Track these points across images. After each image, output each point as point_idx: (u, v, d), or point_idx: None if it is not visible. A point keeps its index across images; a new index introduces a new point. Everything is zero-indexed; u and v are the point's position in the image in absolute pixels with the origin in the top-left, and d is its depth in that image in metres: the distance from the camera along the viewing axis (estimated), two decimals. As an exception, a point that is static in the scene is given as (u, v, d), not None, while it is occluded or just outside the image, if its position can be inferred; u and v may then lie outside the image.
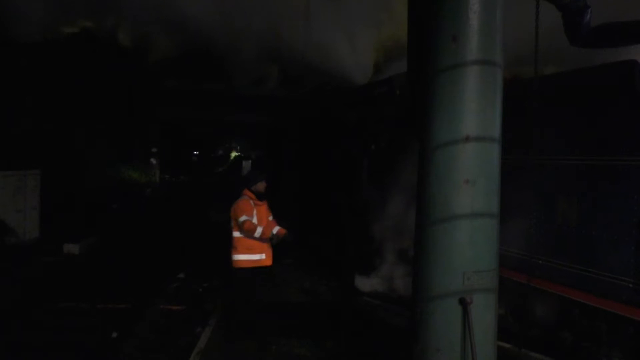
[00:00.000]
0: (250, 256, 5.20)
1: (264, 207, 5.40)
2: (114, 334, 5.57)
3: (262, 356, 4.94)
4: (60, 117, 14.15)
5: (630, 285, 4.02)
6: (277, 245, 5.39)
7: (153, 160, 23.71)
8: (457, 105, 2.85)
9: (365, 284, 7.13)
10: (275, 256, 5.41)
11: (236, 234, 5.21)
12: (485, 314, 2.91)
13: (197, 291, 7.33)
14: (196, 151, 43.59)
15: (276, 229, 5.35)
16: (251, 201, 5.29)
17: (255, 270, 5.21)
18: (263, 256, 5.27)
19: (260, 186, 5.40)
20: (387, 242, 7.00)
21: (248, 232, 5.13)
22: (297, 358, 4.94)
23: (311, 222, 10.06)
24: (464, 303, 2.81)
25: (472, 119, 2.85)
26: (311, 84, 12.40)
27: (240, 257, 5.19)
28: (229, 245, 5.30)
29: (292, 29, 10.19)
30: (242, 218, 5.12)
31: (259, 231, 5.13)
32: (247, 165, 36.97)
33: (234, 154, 46.26)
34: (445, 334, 2.87)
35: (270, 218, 5.41)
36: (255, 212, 5.26)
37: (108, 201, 15.79)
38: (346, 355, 4.98)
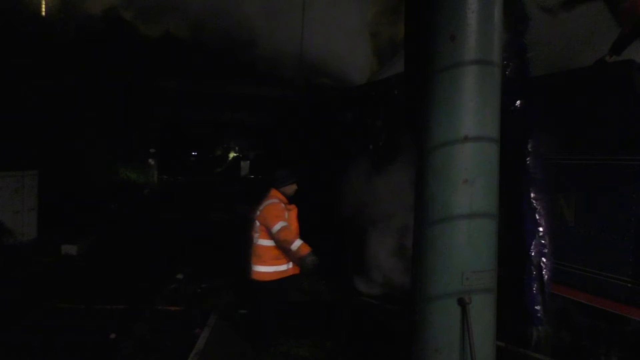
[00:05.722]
0: (277, 267, 4.69)
1: (294, 212, 4.85)
2: (112, 335, 5.56)
3: (260, 356, 4.93)
4: (58, 118, 14.12)
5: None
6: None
7: (151, 161, 23.70)
8: (455, 105, 2.84)
9: (364, 284, 7.13)
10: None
11: (263, 241, 4.65)
12: (484, 314, 2.90)
13: (196, 292, 7.32)
14: (194, 151, 43.57)
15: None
16: (282, 204, 4.72)
17: (281, 282, 4.75)
18: (290, 265, 4.79)
19: (291, 189, 4.86)
20: (385, 242, 7.00)
21: (284, 243, 4.51)
22: (295, 358, 4.93)
23: (309, 221, 10.05)
24: (462, 303, 2.81)
25: (471, 119, 2.84)
26: (309, 84, 12.40)
27: (266, 269, 4.64)
28: (247, 253, 4.82)
29: (291, 28, 10.19)
30: (279, 225, 4.50)
31: (296, 244, 4.49)
32: (245, 165, 37.01)
33: (232, 155, 46.22)
34: (444, 334, 2.87)
35: None
36: (286, 217, 4.70)
37: (106, 202, 15.77)
38: (345, 356, 4.98)
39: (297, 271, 4.86)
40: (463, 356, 2.83)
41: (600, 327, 4.38)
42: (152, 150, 23.71)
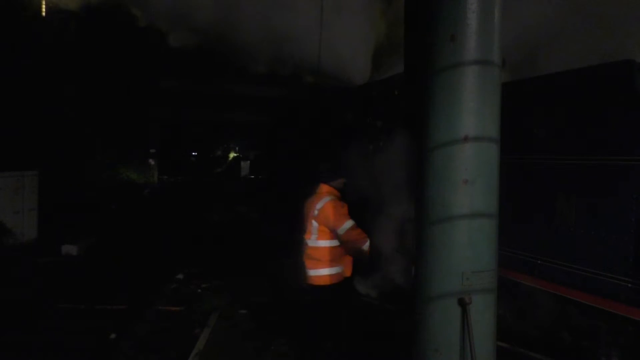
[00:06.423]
0: (338, 269, 4.33)
1: (346, 209, 4.39)
2: (113, 335, 5.57)
3: (261, 357, 4.93)
4: (58, 118, 14.13)
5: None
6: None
7: (151, 161, 23.74)
8: (455, 105, 2.84)
9: (364, 284, 7.13)
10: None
11: (323, 242, 4.25)
12: (484, 314, 2.90)
13: (196, 292, 7.32)
14: (194, 151, 43.61)
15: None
16: (340, 201, 4.29)
17: (339, 286, 4.38)
18: (343, 267, 4.41)
19: (341, 183, 4.42)
20: (385, 242, 6.99)
21: (356, 243, 4.14)
22: (295, 358, 4.94)
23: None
24: (463, 303, 2.81)
25: (471, 119, 2.84)
26: (309, 84, 12.43)
27: (327, 272, 4.25)
28: (299, 257, 4.40)
29: (294, 29, 10.19)
30: (348, 224, 4.12)
31: (368, 244, 4.15)
32: (245, 165, 37.01)
33: (232, 155, 46.24)
34: (444, 334, 2.87)
35: None
36: None
37: (106, 202, 15.77)
38: (346, 356, 4.98)
39: (350, 273, 4.47)
40: (463, 356, 2.82)
41: (600, 327, 4.39)
42: (152, 150, 23.76)
